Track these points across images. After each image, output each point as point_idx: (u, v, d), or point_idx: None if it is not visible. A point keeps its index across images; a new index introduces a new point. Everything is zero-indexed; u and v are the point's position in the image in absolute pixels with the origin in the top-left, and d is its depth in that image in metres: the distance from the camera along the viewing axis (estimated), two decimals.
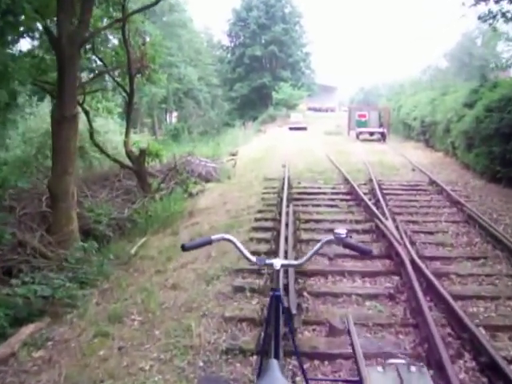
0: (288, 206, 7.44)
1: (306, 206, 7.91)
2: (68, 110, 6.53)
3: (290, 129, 30.26)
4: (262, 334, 2.36)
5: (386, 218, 6.30)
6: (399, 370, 2.08)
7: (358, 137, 22.61)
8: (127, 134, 11.17)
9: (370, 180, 9.95)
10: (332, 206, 7.88)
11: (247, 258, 1.83)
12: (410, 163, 13.07)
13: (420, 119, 18.18)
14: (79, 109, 8.23)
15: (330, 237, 1.79)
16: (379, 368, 2.11)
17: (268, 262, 1.80)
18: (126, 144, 10.97)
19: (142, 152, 10.60)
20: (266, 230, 6.36)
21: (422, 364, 2.65)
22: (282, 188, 9.04)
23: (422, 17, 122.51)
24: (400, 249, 5.03)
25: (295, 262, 1.98)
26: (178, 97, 41.79)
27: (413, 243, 5.60)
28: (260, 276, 4.62)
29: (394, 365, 2.11)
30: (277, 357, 1.77)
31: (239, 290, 4.37)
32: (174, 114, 51.19)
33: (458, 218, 6.97)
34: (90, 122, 10.67)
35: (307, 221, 6.85)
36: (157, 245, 6.77)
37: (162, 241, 6.96)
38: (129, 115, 11.35)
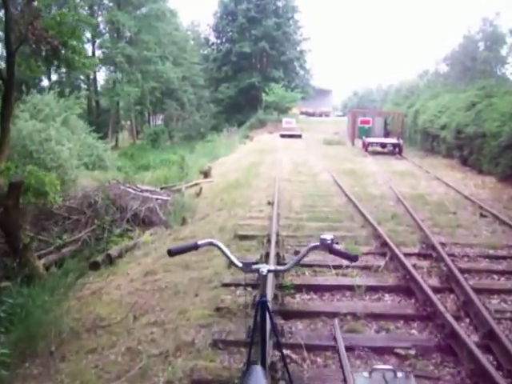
0: (274, 370, 2.79)
1: (320, 353, 3.25)
2: None
3: (282, 136, 25.63)
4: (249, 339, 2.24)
5: None
6: (385, 377, 1.82)
7: (366, 149, 18.08)
8: (1, 152, 6.49)
9: (429, 247, 5.35)
10: (379, 352, 3.21)
11: (234, 264, 1.79)
12: (465, 198, 8.51)
13: (454, 129, 13.67)
14: None
15: (316, 243, 1.73)
16: (365, 373, 1.76)
17: (255, 267, 1.76)
18: None
19: (14, 187, 5.87)
20: None
21: (408, 371, 2.55)
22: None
23: (418, 21, 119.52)
24: None
25: (282, 268, 1.97)
26: (156, 97, 36.78)
27: None
28: None
29: (380, 371, 1.76)
30: (263, 364, 1.75)
31: None
32: (161, 116, 46.15)
33: None
34: None
35: None
36: None
37: None
38: (5, 117, 6.63)
